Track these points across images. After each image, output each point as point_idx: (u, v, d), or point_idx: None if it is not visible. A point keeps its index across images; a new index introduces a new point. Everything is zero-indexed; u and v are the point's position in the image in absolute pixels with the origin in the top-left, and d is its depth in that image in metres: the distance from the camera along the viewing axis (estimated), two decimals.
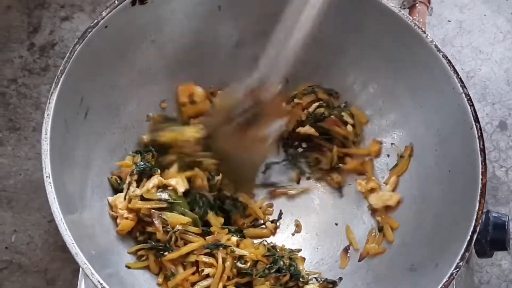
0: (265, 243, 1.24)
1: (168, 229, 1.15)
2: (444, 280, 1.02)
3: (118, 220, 1.18)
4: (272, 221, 1.29)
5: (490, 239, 1.14)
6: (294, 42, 1.13)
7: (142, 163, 1.21)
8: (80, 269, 1.17)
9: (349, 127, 1.30)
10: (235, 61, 1.31)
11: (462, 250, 1.03)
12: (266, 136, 1.21)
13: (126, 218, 1.17)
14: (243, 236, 1.25)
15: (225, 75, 1.31)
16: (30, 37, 1.61)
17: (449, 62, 1.15)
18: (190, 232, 1.17)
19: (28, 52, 1.59)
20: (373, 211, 1.27)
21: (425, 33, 1.17)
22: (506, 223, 1.15)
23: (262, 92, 1.16)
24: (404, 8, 1.34)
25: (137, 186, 1.19)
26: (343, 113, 1.30)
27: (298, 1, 1.12)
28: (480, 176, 1.07)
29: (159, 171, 1.21)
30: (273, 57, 1.15)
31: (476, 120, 1.11)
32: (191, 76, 1.31)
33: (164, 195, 1.18)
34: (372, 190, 1.28)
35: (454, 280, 1.03)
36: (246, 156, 1.24)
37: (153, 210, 1.16)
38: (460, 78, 1.14)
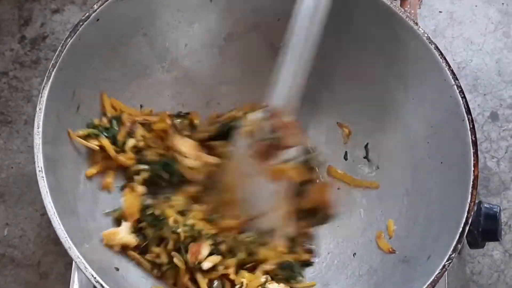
0: None
1: None
2: (437, 272, 1.02)
3: None
4: None
5: (481, 230, 1.14)
6: (307, 54, 1.11)
7: None
8: (73, 262, 1.17)
9: None
10: (226, 55, 1.32)
11: (455, 242, 1.04)
12: (284, 164, 1.17)
13: None
14: None
15: (215, 70, 1.32)
16: (21, 30, 1.60)
17: (441, 54, 1.15)
18: None
19: (19, 45, 1.59)
20: None
21: (417, 24, 1.17)
22: (498, 214, 1.16)
23: (281, 116, 1.13)
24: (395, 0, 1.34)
25: None
26: None
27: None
28: (472, 168, 1.08)
29: None
30: (290, 77, 1.13)
31: (468, 112, 1.11)
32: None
33: None
34: None
35: (446, 272, 1.04)
36: (261, 188, 1.20)
37: None
38: (452, 70, 1.14)
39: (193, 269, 1.16)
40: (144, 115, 1.25)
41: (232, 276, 1.17)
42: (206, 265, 1.16)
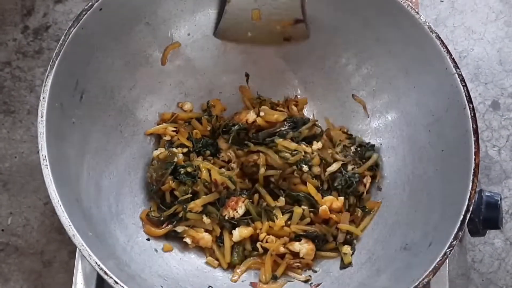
0: None
1: None
2: (438, 259, 1.03)
3: None
4: None
5: (483, 218, 1.14)
6: None
7: None
8: (77, 250, 1.17)
9: None
10: (227, 45, 1.32)
11: (456, 230, 1.04)
12: None
13: None
14: None
15: (217, 59, 1.32)
16: (24, 20, 1.61)
17: (442, 42, 1.16)
18: None
19: (22, 35, 1.59)
20: None
21: (418, 13, 1.17)
22: (499, 202, 1.16)
23: None
24: None
25: None
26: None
27: None
28: (473, 156, 1.09)
29: None
30: None
31: (469, 100, 1.12)
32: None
33: None
34: None
35: (447, 259, 1.05)
36: None
37: None
38: (453, 59, 1.15)
39: (223, 228, 1.23)
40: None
41: (261, 235, 1.22)
42: (236, 237, 1.21)
